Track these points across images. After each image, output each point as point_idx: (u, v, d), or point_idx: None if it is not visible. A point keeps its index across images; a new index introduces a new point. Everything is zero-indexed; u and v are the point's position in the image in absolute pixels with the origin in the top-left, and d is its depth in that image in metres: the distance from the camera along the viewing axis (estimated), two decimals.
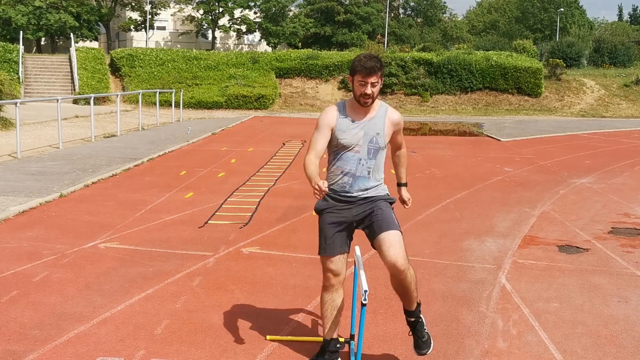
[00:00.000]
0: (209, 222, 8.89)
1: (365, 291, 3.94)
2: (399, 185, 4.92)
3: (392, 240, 4.29)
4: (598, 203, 10.86)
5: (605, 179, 13.46)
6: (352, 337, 4.97)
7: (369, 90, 4.29)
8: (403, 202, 4.89)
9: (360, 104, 4.38)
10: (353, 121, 4.42)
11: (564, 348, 4.98)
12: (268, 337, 5.05)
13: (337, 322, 4.53)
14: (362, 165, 4.42)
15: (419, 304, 4.61)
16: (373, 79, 4.28)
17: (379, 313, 5.62)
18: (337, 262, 4.42)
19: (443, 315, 5.63)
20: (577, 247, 8.01)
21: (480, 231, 8.72)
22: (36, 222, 8.67)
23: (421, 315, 4.63)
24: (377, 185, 4.52)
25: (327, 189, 4.11)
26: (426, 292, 6.19)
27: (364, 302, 3.95)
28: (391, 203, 4.56)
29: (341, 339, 4.98)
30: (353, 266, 5.46)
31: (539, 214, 9.90)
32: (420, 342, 4.57)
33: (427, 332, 4.62)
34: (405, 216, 9.15)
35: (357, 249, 4.73)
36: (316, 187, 4.06)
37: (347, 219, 4.44)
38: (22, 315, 5.39)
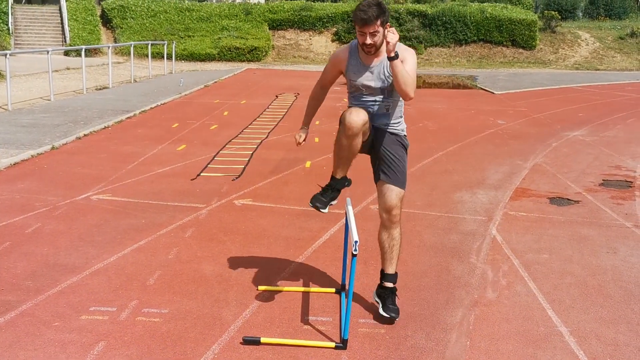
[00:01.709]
0: (202, 174, 8.89)
1: (356, 242, 3.97)
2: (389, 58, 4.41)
3: (393, 189, 4.48)
4: (590, 156, 10.89)
5: (597, 132, 13.47)
6: (342, 287, 5.02)
7: (368, 40, 4.27)
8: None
9: (365, 53, 4.38)
10: (363, 64, 4.45)
11: (553, 298, 5.05)
12: (260, 287, 5.09)
13: (350, 164, 4.56)
14: (379, 105, 4.49)
15: (396, 273, 4.69)
16: (371, 29, 4.23)
17: (369, 264, 5.67)
18: (360, 114, 4.27)
19: (433, 266, 5.69)
20: (568, 199, 8.06)
21: (471, 183, 8.75)
22: (28, 174, 8.66)
23: (395, 287, 4.67)
24: (397, 123, 4.60)
25: (302, 142, 4.46)
26: (417, 243, 6.24)
27: (354, 252, 3.98)
28: (405, 148, 4.62)
29: (331, 290, 5.03)
30: (344, 218, 5.49)
31: (530, 166, 9.93)
32: (390, 305, 4.56)
33: (397, 306, 4.61)
34: None
35: (348, 200, 4.75)
36: (295, 137, 4.36)
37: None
38: (15, 266, 5.41)
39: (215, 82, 22.69)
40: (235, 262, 5.65)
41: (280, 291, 5.06)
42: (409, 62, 4.33)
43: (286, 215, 7.10)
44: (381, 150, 4.55)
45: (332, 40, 37.43)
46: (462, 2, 41.24)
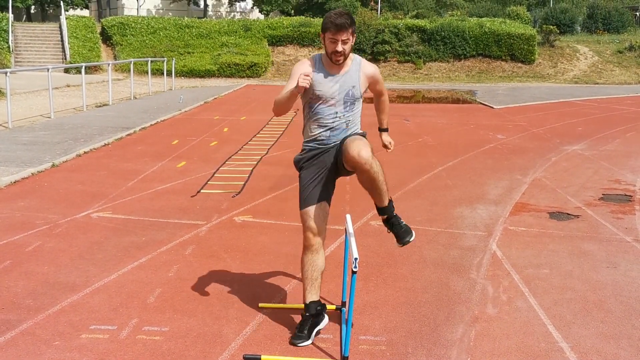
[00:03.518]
0: (202, 191, 8.91)
1: (356, 259, 3.97)
2: (380, 130, 4.92)
3: (353, 139, 4.33)
4: (589, 170, 10.90)
5: (597, 146, 13.49)
6: (343, 304, 5.01)
7: (339, 47, 4.27)
8: (385, 147, 4.91)
9: (332, 62, 4.37)
10: (328, 74, 4.42)
11: (553, 313, 5.04)
12: (260, 304, 5.09)
13: (318, 285, 4.52)
14: (339, 118, 4.45)
15: (391, 200, 4.63)
16: (344, 36, 4.25)
17: (370, 280, 5.66)
18: (317, 218, 4.43)
19: (434, 282, 5.68)
20: (568, 214, 8.06)
21: (471, 198, 8.75)
22: (28, 192, 8.67)
23: (395, 213, 4.66)
24: (354, 129, 4.57)
25: (310, 78, 4.22)
26: (417, 259, 6.24)
27: (354, 269, 3.98)
28: (364, 137, 4.51)
29: (332, 307, 5.03)
30: (344, 234, 5.49)
31: (530, 181, 9.94)
32: (400, 232, 4.62)
33: (404, 224, 4.65)
34: (397, 183, 9.19)
35: (347, 217, 4.75)
36: (300, 78, 4.15)
37: (326, 164, 4.49)
38: (15, 285, 5.41)
39: (215, 98, 22.76)
40: (236, 279, 5.64)
41: (280, 308, 5.05)
42: (380, 82, 4.57)
43: (286, 232, 7.10)
44: (341, 143, 4.44)
45: None
46: (461, 17, 41.47)
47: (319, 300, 4.56)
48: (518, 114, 19.47)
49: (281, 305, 5.11)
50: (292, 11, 57.05)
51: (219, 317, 4.85)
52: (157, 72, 29.91)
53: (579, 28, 48.11)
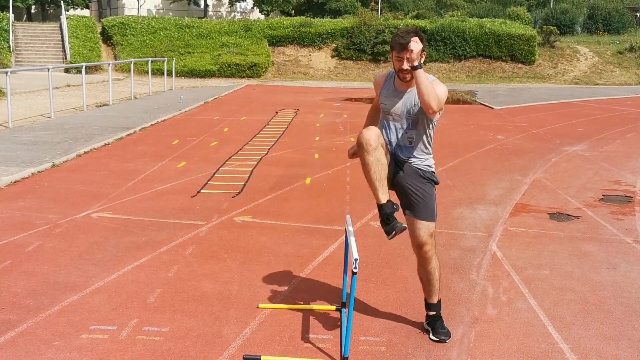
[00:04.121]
0: (202, 191, 8.90)
1: (356, 259, 3.97)
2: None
3: (420, 227, 4.48)
4: (589, 170, 10.90)
5: (597, 147, 13.49)
6: (343, 304, 5.01)
7: (405, 66, 4.32)
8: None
9: (400, 79, 4.43)
10: (395, 90, 4.52)
11: (553, 314, 5.04)
12: (260, 305, 5.09)
13: (386, 183, 4.36)
14: (403, 135, 4.51)
15: (439, 301, 4.73)
16: (408, 55, 4.27)
17: (370, 281, 5.67)
18: (371, 129, 4.29)
19: None
20: (568, 215, 8.06)
21: (471, 199, 8.75)
22: (29, 192, 8.67)
23: (441, 315, 4.73)
24: (422, 159, 4.54)
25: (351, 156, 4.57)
26: (412, 261, 6.22)
27: (354, 270, 3.98)
28: (433, 184, 4.58)
29: (332, 307, 5.03)
30: (344, 235, 5.48)
31: (530, 181, 9.94)
32: (443, 332, 4.63)
33: (447, 329, 4.67)
34: None
35: (348, 217, 4.75)
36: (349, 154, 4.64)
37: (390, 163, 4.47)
38: (15, 285, 5.41)
39: (215, 98, 22.75)
40: (236, 280, 5.64)
41: (280, 309, 5.05)
42: (437, 86, 4.33)
43: (286, 232, 7.10)
44: (405, 185, 4.52)
45: (332, 56, 37.59)
46: (461, 18, 41.46)
47: (390, 200, 4.37)
48: (518, 115, 19.48)
49: (281, 305, 5.11)
50: (293, 11, 57.08)
51: (219, 318, 4.86)
52: (158, 72, 29.90)
53: (579, 29, 48.10)
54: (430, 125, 4.52)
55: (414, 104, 4.44)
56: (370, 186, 4.35)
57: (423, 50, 4.32)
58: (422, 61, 4.31)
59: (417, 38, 4.26)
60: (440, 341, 4.57)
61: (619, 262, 6.31)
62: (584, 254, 6.57)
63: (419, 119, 4.46)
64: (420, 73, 4.23)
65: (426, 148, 4.56)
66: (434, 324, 4.67)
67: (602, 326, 4.85)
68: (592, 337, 4.66)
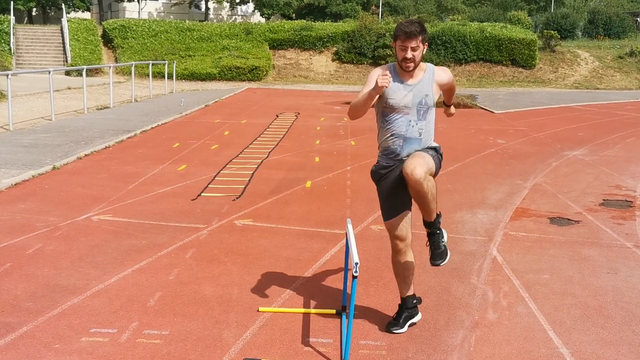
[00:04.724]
0: (202, 194, 8.91)
1: (356, 263, 3.97)
2: (445, 105, 5.06)
3: (414, 155, 4.46)
4: (590, 175, 10.90)
5: (597, 151, 13.49)
6: (343, 308, 5.01)
7: (409, 54, 4.39)
8: (448, 114, 5.13)
9: (403, 69, 4.46)
10: (402, 83, 4.52)
11: (553, 319, 5.04)
12: (260, 308, 5.09)
13: (410, 281, 4.74)
14: (413, 127, 4.53)
15: (438, 215, 4.73)
16: (413, 44, 4.38)
17: (370, 285, 5.66)
18: (402, 227, 4.61)
19: (434, 286, 5.68)
20: (568, 219, 8.06)
21: (472, 203, 8.75)
22: (29, 194, 8.67)
23: (441, 228, 4.77)
24: (428, 140, 4.67)
25: (389, 76, 4.29)
26: (418, 263, 6.19)
27: (355, 274, 3.98)
28: (436, 151, 4.67)
29: (332, 311, 5.03)
30: (344, 238, 5.48)
31: (531, 186, 9.94)
32: (435, 253, 4.74)
33: (444, 245, 4.76)
34: None
35: (348, 221, 4.76)
36: (379, 78, 4.23)
37: (399, 175, 4.53)
38: (15, 288, 5.41)
39: (215, 101, 22.76)
40: (236, 283, 5.64)
41: (281, 312, 5.05)
42: (454, 87, 4.78)
43: (287, 236, 7.10)
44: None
45: (333, 60, 37.59)
46: (462, 22, 41.50)
47: (414, 295, 4.79)
48: (519, 119, 19.48)
49: (281, 309, 5.11)
50: (294, 15, 57.12)
51: (219, 321, 4.85)
52: (158, 75, 29.91)
53: (579, 33, 48.15)
54: (434, 111, 4.64)
55: (426, 94, 4.49)
56: (397, 280, 4.80)
57: (425, 40, 4.47)
58: (424, 51, 4.48)
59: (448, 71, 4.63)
60: (436, 264, 4.75)
61: (620, 267, 6.31)
62: (584, 258, 6.56)
63: (429, 109, 4.53)
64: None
65: (431, 134, 4.67)
66: (432, 242, 4.75)
67: (602, 331, 4.85)
68: (593, 342, 4.66)
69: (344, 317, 4.93)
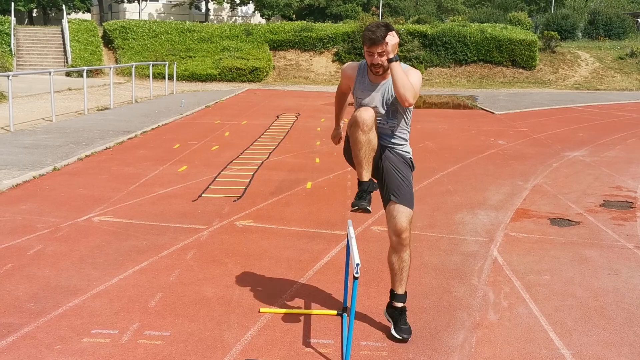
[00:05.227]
0: (203, 195, 8.91)
1: (357, 264, 3.97)
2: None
3: (400, 210, 4.46)
4: (590, 176, 10.91)
5: (598, 152, 13.50)
6: (344, 309, 5.01)
7: (376, 60, 4.33)
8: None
9: (373, 73, 4.44)
10: (370, 83, 4.51)
11: (554, 320, 5.04)
12: (261, 309, 5.09)
13: (372, 162, 4.50)
14: (384, 125, 4.54)
15: (406, 293, 4.72)
16: (379, 49, 4.30)
17: (371, 286, 5.67)
18: (369, 110, 4.38)
19: (435, 287, 5.68)
20: (569, 220, 8.06)
21: (472, 204, 8.76)
22: (30, 195, 8.67)
23: (405, 306, 4.72)
24: (403, 145, 4.63)
25: (338, 139, 4.54)
26: (419, 265, 6.23)
27: (355, 275, 3.98)
28: (411, 169, 4.66)
29: (333, 312, 5.03)
30: (345, 239, 5.48)
31: (531, 187, 9.94)
32: (405, 328, 4.63)
33: (408, 325, 4.67)
34: None
35: (349, 222, 4.76)
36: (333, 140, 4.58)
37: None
38: (16, 288, 5.41)
39: (216, 102, 22.77)
40: (237, 284, 5.64)
41: (282, 313, 5.05)
42: (411, 75, 4.38)
43: (287, 237, 7.10)
44: (390, 169, 4.57)
45: (333, 61, 37.62)
46: (462, 23, 41.51)
47: (372, 179, 4.56)
48: (519, 120, 19.49)
49: (282, 310, 5.11)
50: (294, 16, 57.16)
51: (220, 322, 4.86)
52: (159, 76, 29.93)
53: (580, 34, 48.17)
54: (408, 112, 4.58)
55: (391, 95, 4.45)
56: (356, 164, 4.49)
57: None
58: (396, 54, 4.34)
59: (393, 32, 4.30)
60: (403, 340, 4.58)
61: (620, 268, 6.31)
62: (585, 259, 6.57)
63: (398, 109, 4.49)
64: (395, 66, 4.27)
65: (405, 134, 4.64)
66: (397, 319, 4.64)
67: (603, 332, 4.85)
68: (594, 343, 4.66)
69: (345, 318, 4.93)
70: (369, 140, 4.34)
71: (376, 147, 4.45)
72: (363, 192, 4.45)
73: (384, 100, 4.48)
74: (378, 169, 4.62)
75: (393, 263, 4.63)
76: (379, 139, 4.51)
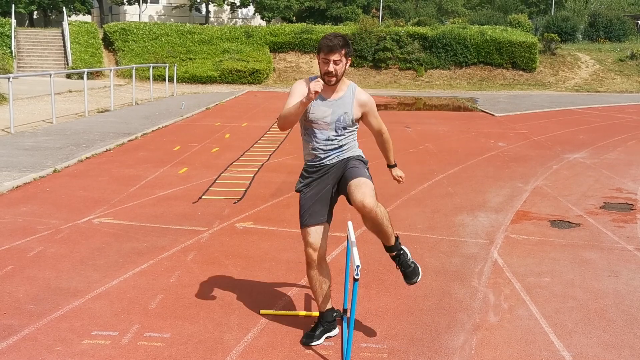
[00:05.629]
0: (203, 197, 8.91)
1: (358, 266, 3.97)
2: (389, 166, 4.94)
3: (359, 183, 4.35)
4: (591, 178, 10.91)
5: (598, 154, 13.50)
6: (344, 311, 5.01)
7: (331, 67, 4.32)
8: (396, 180, 4.95)
9: (325, 82, 4.39)
10: (322, 98, 4.46)
11: (555, 322, 5.04)
12: (262, 311, 5.09)
13: (329, 294, 4.63)
14: (331, 141, 4.50)
15: (397, 238, 4.70)
16: (335, 57, 4.31)
17: (371, 287, 5.67)
18: (315, 234, 4.51)
19: (435, 289, 5.68)
20: (569, 222, 8.06)
21: (473, 206, 8.76)
22: (30, 197, 8.68)
23: (402, 247, 4.76)
24: (351, 149, 4.60)
25: (321, 83, 4.24)
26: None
27: (356, 277, 3.98)
28: (364, 163, 4.61)
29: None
30: (345, 241, 5.48)
31: (531, 189, 9.95)
32: (407, 272, 4.75)
33: (412, 262, 4.77)
34: (398, 192, 9.19)
35: (349, 224, 4.76)
36: (312, 84, 4.18)
37: (326, 186, 4.53)
38: (17, 290, 5.42)
39: (216, 104, 22.78)
40: (237, 286, 5.65)
41: (282, 315, 5.05)
42: (374, 113, 4.60)
43: (288, 239, 7.11)
44: (346, 169, 4.50)
45: None
46: (462, 25, 41.55)
47: (333, 308, 4.70)
48: (519, 122, 19.49)
49: (283, 312, 5.11)
50: (294, 18, 57.19)
51: (220, 324, 4.86)
52: (159, 78, 29.95)
53: (580, 36, 48.18)
54: (355, 126, 4.59)
55: (345, 112, 4.44)
56: (313, 294, 4.71)
57: (348, 54, 4.39)
58: (347, 66, 4.41)
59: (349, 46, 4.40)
60: (413, 283, 4.78)
61: (621, 270, 6.31)
62: (585, 261, 6.57)
63: (348, 125, 4.49)
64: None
65: (353, 139, 4.62)
66: (401, 264, 4.72)
67: (603, 334, 4.85)
68: (594, 345, 4.66)
69: (345, 320, 4.93)
70: (317, 274, 4.54)
71: (329, 274, 4.61)
72: (321, 321, 4.67)
73: (337, 118, 4.44)
74: (338, 185, 4.56)
75: (371, 228, 4.56)
76: (326, 156, 4.51)
